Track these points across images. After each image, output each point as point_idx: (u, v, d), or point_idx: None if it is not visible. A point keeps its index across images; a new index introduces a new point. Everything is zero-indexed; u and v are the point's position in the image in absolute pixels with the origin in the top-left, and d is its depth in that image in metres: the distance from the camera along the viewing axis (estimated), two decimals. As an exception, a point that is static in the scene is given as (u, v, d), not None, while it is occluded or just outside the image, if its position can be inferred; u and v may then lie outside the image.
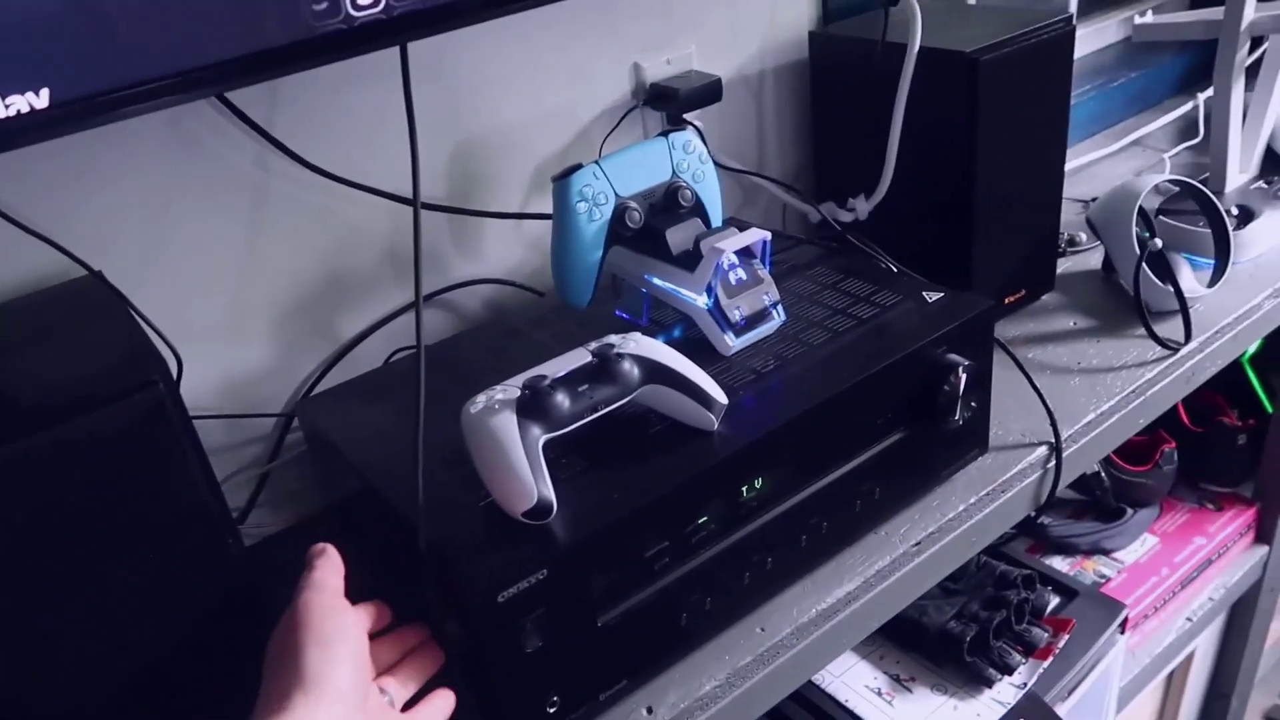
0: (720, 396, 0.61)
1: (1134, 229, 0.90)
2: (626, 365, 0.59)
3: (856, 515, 0.69)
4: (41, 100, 0.45)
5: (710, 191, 0.74)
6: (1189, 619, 1.16)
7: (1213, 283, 0.94)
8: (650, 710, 0.61)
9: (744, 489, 0.61)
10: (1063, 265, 1.02)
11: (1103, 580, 1.15)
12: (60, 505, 0.49)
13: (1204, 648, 1.32)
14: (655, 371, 0.60)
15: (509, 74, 0.81)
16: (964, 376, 0.68)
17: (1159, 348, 0.87)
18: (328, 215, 0.76)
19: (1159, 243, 0.90)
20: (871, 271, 0.78)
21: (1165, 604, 1.15)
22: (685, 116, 0.89)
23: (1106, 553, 1.18)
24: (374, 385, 0.74)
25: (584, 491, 0.57)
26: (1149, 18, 1.08)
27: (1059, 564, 1.17)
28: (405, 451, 0.59)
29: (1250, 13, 0.97)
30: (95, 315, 0.61)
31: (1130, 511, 1.19)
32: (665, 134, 0.72)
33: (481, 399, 0.57)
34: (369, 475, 0.62)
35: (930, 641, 0.88)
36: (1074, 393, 0.83)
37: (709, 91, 0.87)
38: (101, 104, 0.47)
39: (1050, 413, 0.79)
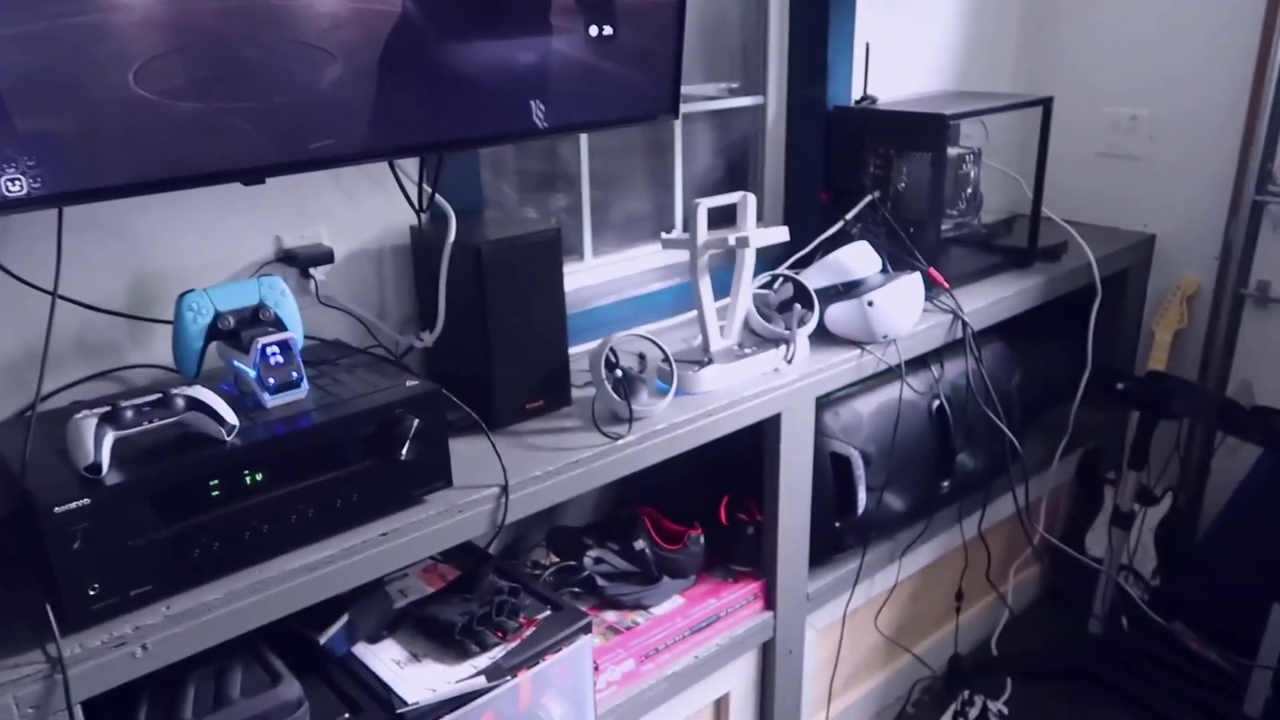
0: (231, 419, 1.04)
1: (602, 366, 1.39)
2: (178, 400, 1.03)
3: (339, 510, 1.12)
4: None
5: (289, 313, 1.20)
6: (696, 656, 1.60)
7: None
8: (169, 608, 1.00)
9: (245, 476, 1.04)
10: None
11: (633, 625, 1.58)
12: None
13: (742, 690, 1.74)
14: (192, 403, 1.03)
15: (179, 236, 1.28)
16: (410, 426, 1.13)
17: (604, 439, 1.35)
18: (33, 312, 1.19)
19: (619, 373, 1.40)
20: (389, 370, 1.24)
21: (676, 644, 1.58)
22: (312, 272, 1.37)
23: (645, 608, 1.62)
24: (46, 419, 1.15)
25: (134, 467, 0.99)
26: (671, 233, 1.62)
27: (610, 615, 1.60)
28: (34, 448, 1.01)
29: (704, 234, 1.52)
30: None
31: (665, 579, 1.64)
32: (257, 277, 1.19)
33: (84, 413, 1.00)
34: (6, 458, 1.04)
35: (438, 629, 1.29)
36: (534, 460, 1.29)
37: (321, 256, 1.35)
38: None
39: (504, 467, 1.25)
